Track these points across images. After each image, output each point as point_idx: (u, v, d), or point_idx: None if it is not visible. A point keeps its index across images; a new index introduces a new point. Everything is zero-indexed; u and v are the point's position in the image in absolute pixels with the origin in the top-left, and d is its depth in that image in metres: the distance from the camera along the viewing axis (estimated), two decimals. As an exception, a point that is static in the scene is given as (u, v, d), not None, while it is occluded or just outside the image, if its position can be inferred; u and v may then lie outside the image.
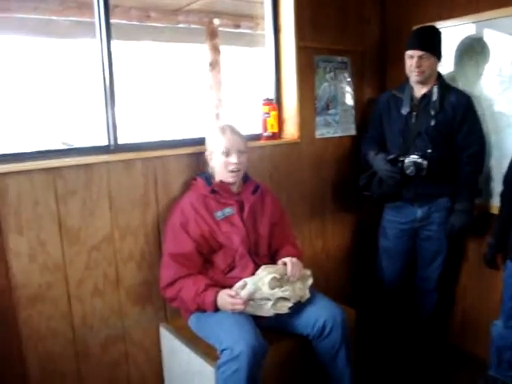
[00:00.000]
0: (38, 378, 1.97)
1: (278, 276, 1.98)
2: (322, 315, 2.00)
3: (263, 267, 2.04)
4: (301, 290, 2.05)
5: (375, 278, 2.81)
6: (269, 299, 1.95)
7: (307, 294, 2.06)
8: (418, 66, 2.39)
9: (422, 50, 2.38)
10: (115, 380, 2.18)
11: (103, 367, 2.14)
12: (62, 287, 1.99)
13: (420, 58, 2.38)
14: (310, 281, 2.11)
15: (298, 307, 2.02)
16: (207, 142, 2.16)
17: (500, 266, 2.36)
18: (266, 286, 1.95)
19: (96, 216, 2.05)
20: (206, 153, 2.16)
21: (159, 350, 2.29)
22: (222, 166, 2.08)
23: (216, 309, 1.94)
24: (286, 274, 2.02)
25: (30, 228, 1.89)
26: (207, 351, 1.98)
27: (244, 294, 1.91)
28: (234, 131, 2.13)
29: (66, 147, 2.15)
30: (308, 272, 2.14)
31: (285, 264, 2.05)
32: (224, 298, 1.91)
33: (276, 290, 1.96)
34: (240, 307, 1.88)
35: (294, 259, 2.06)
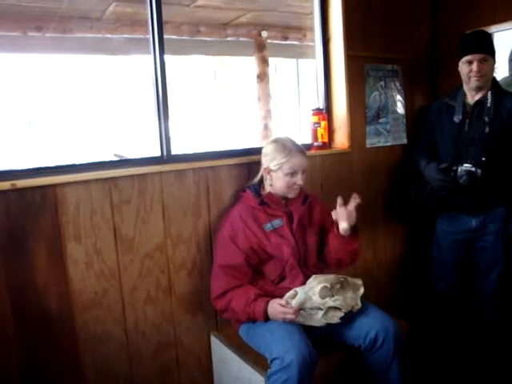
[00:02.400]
0: (93, 380, 2.03)
1: (328, 285, 1.97)
2: (373, 327, 1.96)
3: (314, 276, 2.03)
4: (352, 299, 2.02)
5: (428, 289, 2.74)
6: (320, 309, 1.93)
7: (359, 304, 2.03)
8: (479, 70, 2.32)
9: (482, 52, 2.31)
10: (166, 385, 2.22)
11: (155, 372, 2.17)
12: (117, 294, 2.05)
13: (480, 61, 2.31)
14: (362, 290, 2.08)
15: (350, 317, 1.99)
16: (266, 157, 2.11)
17: None
18: (317, 296, 1.93)
19: (149, 224, 2.10)
20: (264, 166, 2.12)
21: (210, 358, 2.31)
22: (285, 185, 2.07)
23: (266, 318, 1.93)
24: (337, 283, 2.00)
25: (87, 236, 1.96)
26: (257, 360, 1.98)
27: (295, 303, 1.90)
28: (299, 151, 2.08)
29: (118, 159, 2.22)
30: (359, 281, 2.11)
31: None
32: (275, 307, 1.90)
33: (327, 299, 1.94)
34: (291, 317, 1.87)
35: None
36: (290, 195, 2.11)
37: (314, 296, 1.94)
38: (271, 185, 2.11)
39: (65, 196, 1.90)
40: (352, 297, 2.02)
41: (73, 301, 1.95)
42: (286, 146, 2.07)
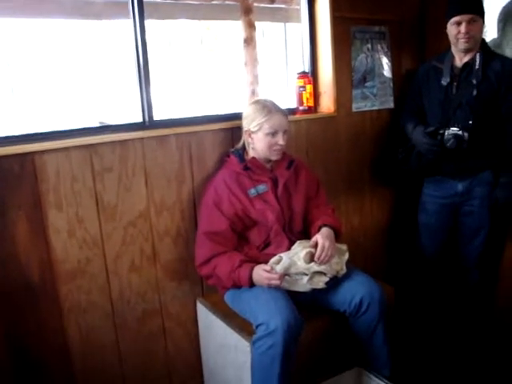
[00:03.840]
0: (78, 349, 2.02)
1: (313, 250, 1.96)
2: (359, 291, 1.96)
3: (298, 242, 2.02)
4: (337, 264, 2.02)
5: (414, 254, 2.75)
6: (305, 274, 1.93)
7: (344, 269, 2.03)
8: (468, 32, 2.26)
9: (471, 13, 2.25)
10: (153, 352, 2.22)
11: (141, 340, 2.18)
12: (100, 262, 2.03)
13: (468, 22, 2.25)
14: (347, 255, 2.08)
15: (335, 283, 2.00)
16: (246, 119, 2.09)
17: None
18: (302, 261, 1.93)
19: (132, 192, 2.07)
20: (244, 129, 2.10)
21: (196, 325, 2.31)
22: (266, 145, 2.04)
23: (251, 284, 1.93)
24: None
25: (68, 204, 1.93)
26: (243, 326, 1.98)
27: (280, 268, 1.90)
28: (279, 110, 2.06)
29: (103, 125, 2.17)
30: (344, 247, 2.11)
31: (317, 244, 1.99)
32: (259, 273, 1.90)
33: (312, 264, 1.94)
34: (276, 282, 1.87)
35: (326, 243, 1.96)
36: (273, 157, 2.07)
37: (299, 261, 1.93)
38: (253, 148, 2.09)
39: (44, 164, 1.86)
40: (337, 262, 2.02)
41: (56, 270, 1.93)
42: (265, 106, 2.04)
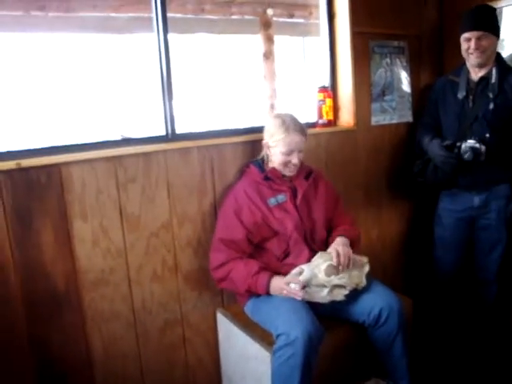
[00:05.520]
0: (101, 357, 2.06)
1: (334, 263, 1.98)
2: (378, 303, 1.97)
3: (319, 254, 2.04)
4: (357, 277, 2.03)
5: (431, 267, 2.75)
6: (325, 286, 1.95)
7: (364, 282, 2.04)
8: (477, 48, 2.29)
9: (480, 30, 2.28)
10: (173, 362, 2.25)
11: (162, 350, 2.20)
12: (123, 272, 2.07)
13: (478, 39, 2.28)
14: (367, 268, 2.09)
15: (354, 294, 2.01)
16: (267, 132, 2.13)
17: None
18: (323, 273, 1.95)
19: (155, 203, 2.11)
20: (264, 142, 2.14)
21: (216, 335, 2.33)
22: (281, 162, 2.08)
23: (268, 292, 1.96)
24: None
25: (93, 215, 1.97)
26: (263, 336, 2.00)
27: (301, 280, 1.91)
28: (297, 129, 2.07)
29: (127, 138, 2.22)
30: (365, 259, 2.12)
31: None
32: (280, 285, 1.93)
33: (332, 277, 1.95)
34: (298, 296, 1.89)
35: (340, 248, 2.00)
36: (286, 173, 2.11)
37: (320, 274, 1.95)
38: (271, 161, 2.13)
39: (70, 175, 1.91)
40: (357, 275, 2.04)
41: (80, 279, 1.97)
42: (285, 123, 2.07)
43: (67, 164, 1.90)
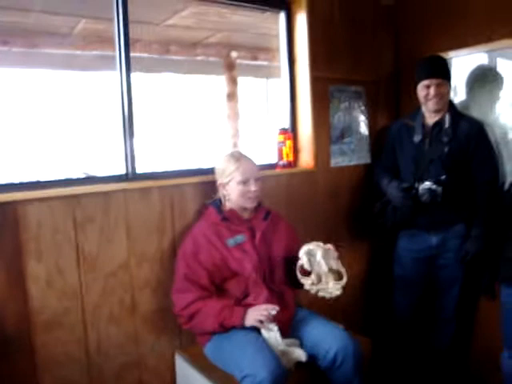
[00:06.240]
0: (52, 404, 1.98)
1: (326, 247, 2.03)
2: (332, 346, 1.96)
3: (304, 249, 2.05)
4: (338, 284, 2.03)
5: (390, 307, 2.78)
6: (328, 277, 2.00)
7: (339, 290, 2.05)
8: (437, 94, 2.41)
9: (438, 77, 2.40)
10: (129, 407, 2.18)
11: (117, 394, 2.14)
12: (79, 313, 2.02)
13: (437, 86, 2.40)
14: (344, 279, 2.06)
15: (310, 336, 2.02)
16: (218, 172, 2.16)
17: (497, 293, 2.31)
18: (322, 261, 2.00)
19: (113, 243, 2.08)
20: (218, 182, 2.16)
21: (174, 378, 2.28)
22: (239, 194, 2.09)
23: (242, 323, 1.95)
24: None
25: (48, 254, 1.93)
26: (223, 380, 1.96)
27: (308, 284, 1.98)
28: (247, 159, 2.14)
29: (86, 176, 2.20)
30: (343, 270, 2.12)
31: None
32: (256, 311, 1.95)
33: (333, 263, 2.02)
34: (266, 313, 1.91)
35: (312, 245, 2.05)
36: (247, 204, 2.12)
37: (323, 265, 1.99)
38: (229, 200, 2.15)
39: (26, 213, 1.87)
40: (336, 287, 2.04)
41: (32, 321, 1.91)
42: (233, 155, 2.13)
43: (23, 202, 1.87)
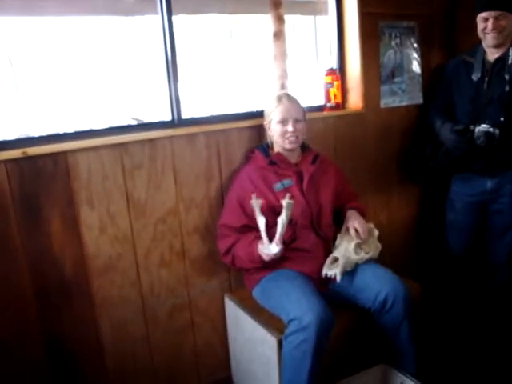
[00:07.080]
0: (110, 342, 2.09)
1: (360, 241, 2.08)
2: (383, 289, 1.96)
3: (339, 237, 2.13)
4: (373, 243, 2.16)
5: (442, 252, 2.73)
6: (357, 263, 2.08)
7: (379, 246, 2.18)
8: (495, 28, 2.23)
9: (498, 9, 2.21)
10: (182, 346, 2.27)
11: (170, 334, 2.23)
12: (131, 258, 2.09)
13: (496, 18, 2.22)
14: (376, 232, 2.20)
15: (361, 280, 2.02)
16: (265, 111, 2.16)
17: None
18: (353, 254, 2.05)
19: (161, 189, 2.11)
20: (265, 122, 2.16)
21: (224, 320, 2.35)
22: (279, 134, 2.08)
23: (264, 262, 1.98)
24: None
25: (99, 202, 1.99)
26: (270, 321, 2.01)
27: (340, 271, 1.99)
28: (290, 99, 2.11)
29: (135, 122, 2.22)
30: (370, 224, 2.21)
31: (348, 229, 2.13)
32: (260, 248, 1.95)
33: (362, 254, 2.08)
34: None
35: (356, 224, 2.10)
36: (286, 145, 2.09)
37: (352, 255, 2.05)
38: (271, 139, 2.15)
39: (76, 162, 1.92)
40: (372, 240, 2.16)
41: (88, 265, 1.99)
42: (278, 97, 2.12)
43: (73, 151, 1.91)
